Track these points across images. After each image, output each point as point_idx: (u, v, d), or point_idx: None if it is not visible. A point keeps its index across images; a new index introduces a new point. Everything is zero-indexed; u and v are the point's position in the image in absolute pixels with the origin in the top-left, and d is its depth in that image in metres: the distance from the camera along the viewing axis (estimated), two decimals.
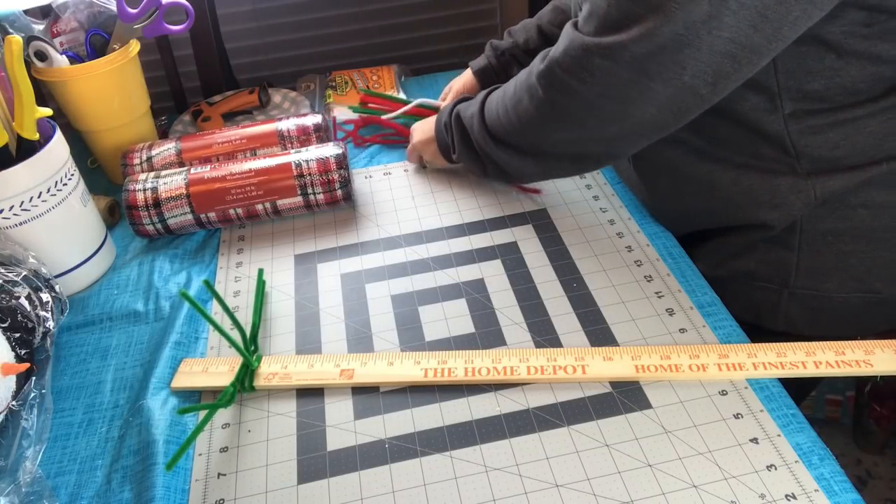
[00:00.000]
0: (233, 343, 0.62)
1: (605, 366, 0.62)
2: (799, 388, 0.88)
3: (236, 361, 0.65)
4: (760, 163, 0.67)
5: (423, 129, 0.88)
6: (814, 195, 0.66)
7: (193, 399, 0.65)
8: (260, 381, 0.64)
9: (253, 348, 0.67)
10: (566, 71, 0.62)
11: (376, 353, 0.67)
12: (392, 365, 0.64)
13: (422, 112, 1.00)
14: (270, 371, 0.64)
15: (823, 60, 0.60)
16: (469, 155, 0.79)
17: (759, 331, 0.71)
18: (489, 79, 0.96)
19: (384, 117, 1.01)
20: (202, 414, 0.63)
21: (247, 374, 0.64)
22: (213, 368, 0.66)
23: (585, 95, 0.61)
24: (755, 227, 0.71)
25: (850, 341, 0.62)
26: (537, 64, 0.66)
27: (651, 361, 0.61)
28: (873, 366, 0.59)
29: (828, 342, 0.62)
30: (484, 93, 0.77)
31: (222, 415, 0.63)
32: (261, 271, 0.76)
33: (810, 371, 0.59)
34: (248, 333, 0.67)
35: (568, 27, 0.63)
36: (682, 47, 0.54)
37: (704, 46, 0.54)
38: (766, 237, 0.71)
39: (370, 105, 1.04)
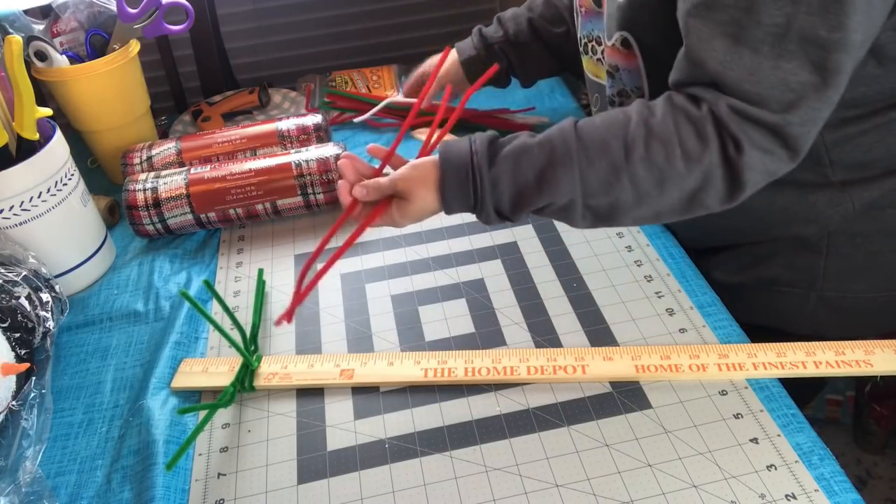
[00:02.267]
0: (233, 343, 0.62)
1: (605, 366, 0.62)
2: (804, 391, 0.87)
3: (236, 361, 0.65)
4: (795, 178, 0.62)
5: (417, 173, 0.61)
6: (852, 207, 0.66)
7: (193, 399, 0.65)
8: (260, 381, 0.64)
9: (253, 348, 0.67)
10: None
11: (376, 353, 0.66)
12: (392, 365, 0.64)
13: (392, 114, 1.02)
14: (270, 371, 0.64)
15: (865, 67, 0.59)
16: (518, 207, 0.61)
17: (782, 335, 0.69)
18: (476, 70, 0.90)
19: (356, 119, 1.03)
20: (202, 414, 0.63)
21: (247, 374, 0.64)
22: (213, 368, 0.66)
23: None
24: (785, 238, 0.70)
25: (850, 341, 0.62)
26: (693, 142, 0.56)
27: (651, 361, 0.61)
28: (873, 366, 0.59)
29: (828, 342, 0.62)
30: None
31: (222, 415, 0.63)
32: (261, 271, 0.76)
33: (810, 371, 0.59)
34: (248, 333, 0.67)
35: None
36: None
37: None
38: (793, 243, 0.70)
39: (339, 105, 1.07)
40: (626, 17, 0.63)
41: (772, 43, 0.52)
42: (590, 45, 0.75)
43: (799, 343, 0.61)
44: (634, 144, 0.56)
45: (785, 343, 0.62)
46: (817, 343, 0.61)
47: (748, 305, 0.70)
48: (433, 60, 0.97)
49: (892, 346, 0.61)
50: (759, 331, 0.66)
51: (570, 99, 1.06)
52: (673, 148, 0.56)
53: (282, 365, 0.65)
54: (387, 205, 0.61)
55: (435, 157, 0.61)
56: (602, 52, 0.72)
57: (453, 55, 0.92)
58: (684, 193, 0.57)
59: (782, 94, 0.53)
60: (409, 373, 0.63)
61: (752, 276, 0.74)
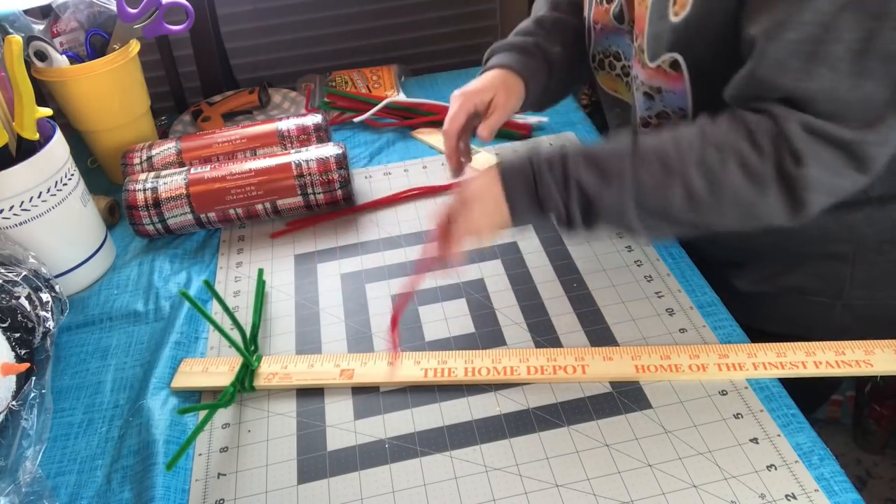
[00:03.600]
0: (233, 343, 0.62)
1: (605, 366, 0.62)
2: (812, 397, 0.86)
3: (236, 361, 0.65)
4: None
5: (482, 195, 0.61)
6: (891, 223, 0.65)
7: (193, 399, 0.65)
8: (260, 382, 0.64)
9: (253, 348, 0.67)
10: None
11: (376, 352, 0.66)
12: (392, 366, 0.64)
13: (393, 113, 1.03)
14: (270, 371, 0.64)
15: None
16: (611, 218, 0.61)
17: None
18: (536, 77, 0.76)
19: (356, 119, 1.03)
20: (202, 414, 0.63)
21: (247, 374, 0.64)
22: (213, 368, 0.66)
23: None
24: (816, 252, 0.69)
25: (850, 341, 0.62)
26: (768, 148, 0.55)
27: (651, 361, 0.61)
28: (873, 366, 0.59)
29: (828, 342, 0.62)
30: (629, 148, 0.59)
31: (222, 415, 0.63)
32: (261, 271, 0.76)
33: (810, 371, 0.59)
34: (248, 333, 0.67)
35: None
36: None
37: None
38: (820, 254, 0.69)
39: (339, 105, 1.07)
40: (681, 38, 0.59)
41: (851, 60, 0.50)
42: (607, 61, 0.73)
43: (799, 343, 0.61)
44: (690, 148, 0.56)
45: (785, 343, 0.62)
46: (817, 343, 0.61)
47: (771, 314, 0.69)
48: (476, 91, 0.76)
49: (892, 346, 0.61)
50: (777, 339, 0.64)
51: (570, 98, 1.06)
52: (728, 154, 0.55)
53: (282, 365, 0.65)
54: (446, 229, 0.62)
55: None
56: (622, 67, 0.70)
57: (494, 79, 0.75)
58: (739, 204, 0.56)
59: (862, 112, 0.52)
60: (409, 373, 0.63)
61: (777, 286, 0.73)
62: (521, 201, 0.60)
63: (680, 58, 0.60)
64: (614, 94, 0.75)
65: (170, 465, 0.57)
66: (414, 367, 0.64)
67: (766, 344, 0.62)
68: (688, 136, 0.57)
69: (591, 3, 0.72)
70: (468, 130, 0.76)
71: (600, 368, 0.61)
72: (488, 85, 0.74)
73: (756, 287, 0.74)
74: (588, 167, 0.58)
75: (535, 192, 0.60)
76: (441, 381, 0.62)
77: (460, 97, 0.74)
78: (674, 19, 0.58)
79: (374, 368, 0.64)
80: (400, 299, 0.66)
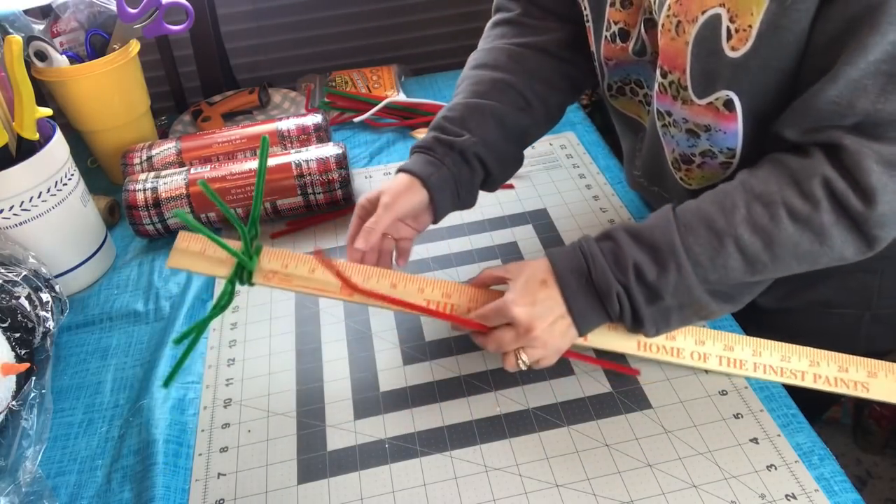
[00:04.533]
0: (226, 248, 0.57)
1: (608, 335, 0.60)
2: (817, 405, 0.84)
3: (237, 246, 0.59)
4: None
5: (532, 297, 0.56)
6: None
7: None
8: (259, 278, 0.59)
9: (253, 233, 0.59)
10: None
11: (379, 270, 0.60)
12: (395, 287, 0.59)
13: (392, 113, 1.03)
14: (271, 268, 0.59)
15: None
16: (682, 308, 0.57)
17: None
18: (445, 196, 0.64)
19: (356, 119, 1.03)
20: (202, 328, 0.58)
21: (245, 271, 0.59)
22: (211, 252, 0.60)
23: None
24: (844, 266, 0.63)
25: (858, 357, 0.60)
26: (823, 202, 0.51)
27: (654, 340, 0.60)
28: (869, 391, 0.58)
29: (834, 354, 0.60)
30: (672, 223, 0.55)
31: (222, 415, 0.63)
32: (265, 139, 0.57)
33: (807, 383, 0.59)
34: (246, 231, 0.59)
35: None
36: None
37: None
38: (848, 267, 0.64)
39: (339, 105, 1.07)
40: (739, 75, 0.53)
41: None
42: (627, 88, 0.69)
43: (806, 349, 0.60)
44: (734, 207, 0.53)
45: (791, 346, 0.60)
46: (823, 353, 0.60)
47: (797, 329, 0.65)
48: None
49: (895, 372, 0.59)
50: None
51: None
52: (776, 208, 0.51)
53: (282, 263, 0.60)
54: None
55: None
56: (644, 95, 0.67)
57: (403, 183, 0.63)
58: (801, 256, 0.53)
59: None
60: (411, 299, 0.59)
61: (803, 301, 0.71)
62: (583, 306, 0.55)
63: (735, 96, 0.54)
64: (637, 119, 0.72)
65: (166, 382, 0.57)
66: (417, 295, 0.59)
67: (773, 343, 0.61)
68: (730, 193, 0.53)
69: (598, 40, 0.66)
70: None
71: (602, 336, 0.59)
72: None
73: (781, 304, 0.71)
74: (639, 247, 0.54)
75: (583, 263, 0.55)
76: (441, 315, 0.59)
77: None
78: (731, 55, 0.52)
79: (377, 287, 0.59)
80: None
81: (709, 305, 0.57)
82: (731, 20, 0.51)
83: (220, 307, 0.58)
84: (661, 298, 0.55)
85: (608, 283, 0.54)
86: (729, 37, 0.52)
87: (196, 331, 0.57)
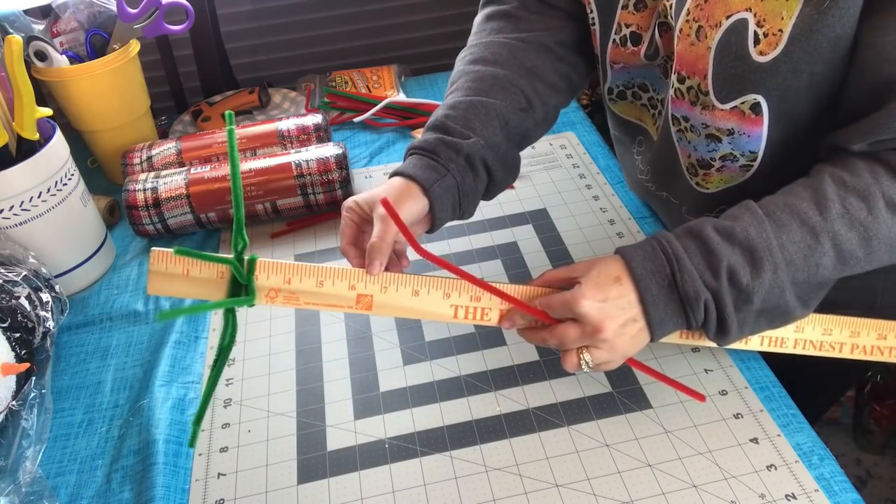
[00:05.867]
0: (220, 259, 0.50)
1: None
2: (816, 406, 0.82)
3: (224, 269, 0.51)
4: None
5: (609, 305, 0.50)
6: None
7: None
8: (261, 299, 0.51)
9: (241, 245, 0.50)
10: None
11: (398, 276, 0.53)
12: (418, 296, 0.53)
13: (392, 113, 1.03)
14: (272, 286, 0.51)
15: None
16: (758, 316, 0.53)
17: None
18: (444, 203, 0.59)
19: (356, 119, 1.03)
20: (200, 407, 0.58)
21: (241, 288, 0.51)
22: (196, 272, 0.50)
23: None
24: None
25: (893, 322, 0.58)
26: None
27: None
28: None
29: (875, 322, 0.58)
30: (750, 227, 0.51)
31: (222, 415, 0.63)
32: (231, 130, 0.46)
33: (844, 354, 0.57)
34: (235, 244, 0.51)
35: None
36: None
37: None
38: None
39: (339, 105, 1.07)
40: (768, 80, 0.52)
41: None
42: (629, 92, 0.68)
43: (848, 320, 0.58)
44: (830, 201, 0.49)
45: (833, 317, 0.58)
46: (864, 321, 0.58)
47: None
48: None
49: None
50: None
51: None
52: (874, 200, 0.49)
53: (284, 278, 0.51)
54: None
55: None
56: (649, 99, 0.66)
57: (402, 189, 0.57)
58: (894, 248, 0.50)
59: None
60: (437, 309, 0.53)
61: None
62: (662, 313, 0.50)
63: (763, 100, 0.53)
64: (638, 123, 0.71)
65: (162, 315, 0.44)
66: (443, 302, 0.53)
67: (816, 316, 0.58)
68: (820, 187, 0.50)
69: (605, 43, 0.65)
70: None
71: None
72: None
73: None
74: (732, 247, 0.49)
75: (662, 261, 0.50)
76: (474, 323, 0.54)
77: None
78: (760, 59, 0.51)
79: (397, 298, 0.53)
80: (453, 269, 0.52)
81: (794, 310, 0.53)
82: (759, 24, 0.50)
83: (227, 346, 0.49)
84: (751, 302, 0.50)
85: (696, 289, 0.49)
86: (756, 41, 0.51)
87: (209, 386, 0.49)
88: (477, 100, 0.62)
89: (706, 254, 0.49)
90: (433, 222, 0.59)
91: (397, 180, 0.57)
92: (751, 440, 0.56)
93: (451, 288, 0.53)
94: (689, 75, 0.56)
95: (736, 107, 0.55)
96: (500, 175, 0.63)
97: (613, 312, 0.50)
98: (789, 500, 0.51)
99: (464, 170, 0.59)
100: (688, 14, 0.54)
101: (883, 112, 0.49)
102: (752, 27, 0.51)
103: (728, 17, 0.51)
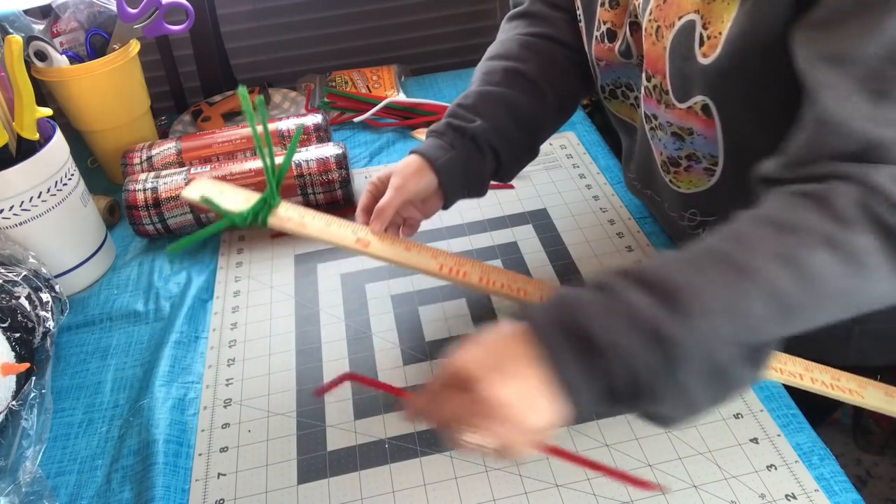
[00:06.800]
0: (267, 167, 0.55)
1: None
2: (819, 411, 0.84)
3: (252, 196, 0.58)
4: None
5: (504, 370, 0.41)
6: None
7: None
8: (274, 220, 0.57)
9: (278, 179, 0.57)
10: None
11: (394, 237, 0.59)
12: (409, 251, 0.58)
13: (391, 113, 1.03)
14: (287, 215, 0.58)
15: None
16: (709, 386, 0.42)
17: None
18: (455, 180, 0.63)
19: (356, 119, 1.04)
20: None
21: (263, 208, 0.57)
22: (230, 192, 0.58)
23: None
24: None
25: (846, 373, 0.56)
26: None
27: None
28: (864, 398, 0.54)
29: (826, 368, 0.56)
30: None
31: (222, 415, 0.63)
32: (244, 93, 0.51)
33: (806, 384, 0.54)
34: (273, 177, 0.56)
35: None
36: None
37: None
38: None
39: (339, 105, 1.07)
40: (711, 82, 0.52)
41: None
42: (619, 91, 0.69)
43: (798, 360, 0.55)
44: (757, 239, 0.42)
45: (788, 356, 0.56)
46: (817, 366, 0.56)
47: (786, 343, 0.60)
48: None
49: (883, 389, 0.56)
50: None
51: None
52: (808, 237, 0.42)
53: (299, 214, 0.58)
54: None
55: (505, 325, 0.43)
56: (635, 98, 0.66)
57: (413, 165, 0.62)
58: (842, 294, 0.43)
59: None
60: (424, 264, 0.57)
61: None
62: (567, 362, 0.40)
63: (711, 102, 0.53)
64: (630, 121, 0.72)
65: (173, 247, 0.54)
66: (430, 260, 0.57)
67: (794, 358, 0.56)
68: (747, 224, 0.44)
69: (590, 40, 0.66)
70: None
71: None
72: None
73: None
74: (639, 289, 0.41)
75: (581, 336, 0.40)
76: (453, 280, 0.56)
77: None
78: (703, 61, 0.51)
79: (391, 249, 0.58)
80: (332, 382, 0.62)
81: (733, 370, 0.42)
82: (704, 27, 0.51)
83: (233, 221, 0.56)
84: (677, 356, 0.40)
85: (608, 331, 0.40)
86: (701, 43, 0.52)
87: (216, 228, 0.55)
88: (485, 89, 0.67)
89: (608, 295, 0.42)
90: (445, 197, 0.64)
91: (410, 157, 0.63)
92: (751, 440, 0.56)
93: (437, 253, 0.59)
94: (654, 74, 0.58)
95: (690, 107, 0.56)
96: (508, 158, 0.67)
97: (499, 363, 0.41)
98: (789, 500, 0.52)
99: (470, 149, 0.64)
100: (650, 14, 0.55)
101: (800, 131, 0.45)
102: (698, 29, 0.52)
103: (680, 18, 0.52)
